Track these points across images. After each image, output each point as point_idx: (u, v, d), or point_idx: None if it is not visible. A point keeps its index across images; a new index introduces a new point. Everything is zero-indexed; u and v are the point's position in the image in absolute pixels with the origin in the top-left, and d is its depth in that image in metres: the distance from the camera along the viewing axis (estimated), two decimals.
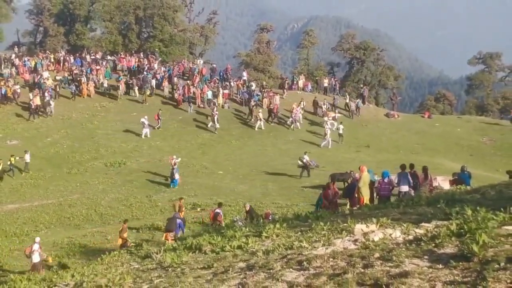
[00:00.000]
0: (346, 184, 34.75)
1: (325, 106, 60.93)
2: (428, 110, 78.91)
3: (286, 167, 45.07)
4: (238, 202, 34.11)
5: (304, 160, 42.43)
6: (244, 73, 70.40)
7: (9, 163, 41.79)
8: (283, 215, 23.72)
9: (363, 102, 68.74)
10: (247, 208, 26.43)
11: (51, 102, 55.54)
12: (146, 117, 53.22)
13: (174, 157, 42.71)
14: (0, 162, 40.79)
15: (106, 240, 28.44)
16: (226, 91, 62.12)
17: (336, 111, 59.62)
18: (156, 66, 68.28)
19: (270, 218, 23.61)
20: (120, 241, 26.23)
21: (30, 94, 55.20)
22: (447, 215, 9.26)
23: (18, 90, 56.59)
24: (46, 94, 55.95)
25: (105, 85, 60.64)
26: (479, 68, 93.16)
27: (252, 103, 59.52)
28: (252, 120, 58.10)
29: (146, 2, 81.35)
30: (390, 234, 7.86)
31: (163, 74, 64.96)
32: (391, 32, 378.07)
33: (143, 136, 52.64)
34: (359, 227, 8.43)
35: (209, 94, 60.49)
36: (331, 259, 6.87)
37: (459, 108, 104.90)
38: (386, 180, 23.61)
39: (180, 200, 29.89)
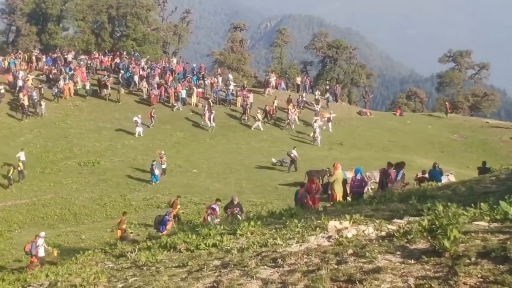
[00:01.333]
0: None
1: (318, 106, 60.74)
2: (400, 108, 79.44)
3: (260, 165, 45.19)
4: (212, 200, 34.05)
5: (292, 155, 43.08)
6: (230, 75, 69.66)
7: (19, 168, 40.66)
8: (258, 213, 23.82)
9: (336, 100, 69.08)
10: (236, 202, 26.23)
11: (42, 102, 54.95)
12: (139, 115, 53.21)
13: (163, 152, 42.94)
14: (11, 168, 39.45)
15: (80, 240, 28.36)
16: (200, 90, 61.93)
17: (331, 111, 59.51)
18: (143, 63, 67.99)
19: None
20: (119, 233, 26.56)
21: (20, 94, 54.81)
22: (419, 211, 9.40)
23: (2, 91, 56.01)
24: (34, 94, 55.26)
25: (87, 87, 59.52)
26: (450, 66, 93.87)
27: (249, 103, 59.84)
28: (246, 119, 58.34)
29: (119, 1, 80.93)
30: (363, 231, 7.95)
31: (148, 72, 64.40)
32: (363, 31, 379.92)
33: (136, 135, 52.60)
34: (333, 224, 8.51)
35: (183, 93, 60.29)
36: (305, 256, 6.94)
37: (430, 105, 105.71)
38: (358, 177, 23.73)
39: (177, 198, 29.54)
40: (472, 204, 8.36)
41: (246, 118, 58.31)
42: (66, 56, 66.74)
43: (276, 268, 6.71)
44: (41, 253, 24.23)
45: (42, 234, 25.60)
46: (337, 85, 76.57)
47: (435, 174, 24.49)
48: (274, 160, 45.24)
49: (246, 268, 6.98)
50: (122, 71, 63.58)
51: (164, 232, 24.83)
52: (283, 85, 70.80)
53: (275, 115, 59.19)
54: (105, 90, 59.30)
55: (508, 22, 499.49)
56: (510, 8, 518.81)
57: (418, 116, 71.13)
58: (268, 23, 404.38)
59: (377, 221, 8.44)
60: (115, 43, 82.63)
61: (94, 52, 71.13)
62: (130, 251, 11.49)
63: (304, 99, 63.36)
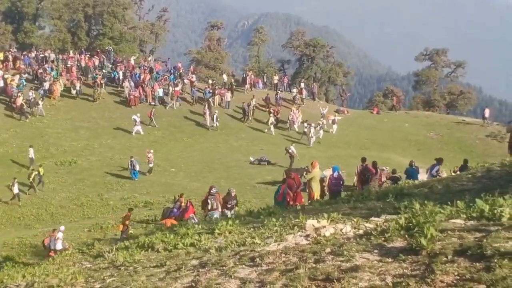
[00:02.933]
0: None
1: (325, 109, 60.84)
2: (377, 106, 79.81)
3: (238, 164, 45.28)
4: (191, 199, 34.04)
5: (290, 151, 43.85)
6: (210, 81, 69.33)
7: (36, 173, 38.88)
8: (236, 212, 23.85)
9: (313, 99, 69.35)
10: (233, 194, 25.99)
11: (39, 102, 54.52)
12: (138, 114, 53.21)
13: (152, 151, 42.96)
14: (32, 171, 38.57)
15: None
16: (178, 89, 61.76)
17: (336, 114, 59.63)
18: (132, 62, 67.75)
19: None
20: (121, 227, 26.92)
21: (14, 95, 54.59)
22: (396, 209, 9.45)
23: None
24: (30, 94, 54.78)
25: (78, 87, 58.82)
26: (426, 65, 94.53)
27: (251, 105, 60.01)
28: (249, 121, 58.57)
29: None
30: (341, 229, 7.97)
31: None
32: (340, 29, 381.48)
33: (133, 133, 52.62)
34: (311, 223, 8.53)
35: (160, 91, 60.11)
36: (283, 255, 6.95)
37: (407, 103, 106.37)
38: (335, 175, 23.78)
39: (181, 196, 29.19)
40: (449, 202, 8.42)
41: (250, 119, 58.73)
42: (45, 55, 66.07)
43: (255, 267, 6.72)
44: (59, 246, 24.73)
45: (62, 228, 26.61)
46: (314, 84, 76.79)
47: (412, 172, 24.64)
48: (252, 159, 45.34)
49: (224, 267, 6.98)
50: (106, 69, 63.45)
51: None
52: (260, 84, 70.80)
53: (252, 114, 59.20)
54: (98, 89, 58.85)
55: (484, 21, 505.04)
56: (485, 6, 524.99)
57: (394, 114, 71.50)
58: (246, 21, 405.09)
59: (355, 220, 8.46)
60: (92, 42, 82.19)
61: (70, 52, 70.55)
62: (107, 251, 11.43)
63: (280, 96, 63.53)
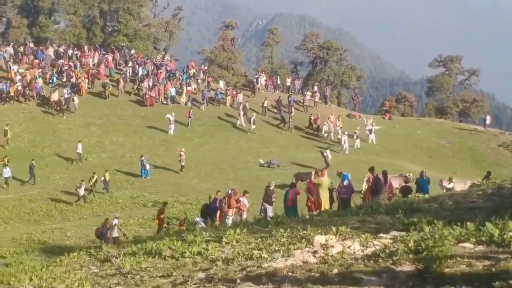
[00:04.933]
0: None
1: (369, 121, 59.68)
2: (389, 112, 79.52)
3: (247, 166, 45.27)
4: (199, 200, 34.09)
5: (325, 154, 44.30)
6: (221, 83, 69.29)
7: (102, 178, 38.21)
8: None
9: (325, 102, 69.23)
10: (272, 187, 25.77)
11: (74, 98, 55.16)
12: (172, 113, 53.61)
13: (183, 149, 43.29)
14: (94, 175, 37.79)
15: (65, 237, 28.24)
16: (190, 88, 61.79)
17: (374, 123, 58.78)
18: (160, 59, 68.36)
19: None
20: (157, 222, 27.38)
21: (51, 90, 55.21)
22: (405, 226, 9.41)
23: (20, 87, 55.55)
24: (65, 90, 55.43)
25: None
26: (440, 71, 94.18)
27: (237, 102, 60.41)
28: (290, 127, 58.31)
29: None
30: (349, 247, 7.96)
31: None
32: (354, 31, 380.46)
33: (169, 132, 53.05)
34: (318, 239, 8.52)
35: (173, 91, 60.17)
36: (290, 274, 6.94)
37: (419, 109, 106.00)
38: (345, 183, 23.62)
39: (217, 193, 28.50)
40: (458, 222, 8.37)
41: (290, 125, 58.52)
42: (61, 50, 66.38)
43: (261, 286, 6.70)
44: (115, 233, 25.47)
45: (117, 214, 27.68)
46: (326, 87, 76.65)
47: (423, 183, 24.37)
48: (261, 161, 45.35)
49: (230, 283, 6.96)
50: (133, 67, 64.31)
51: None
52: (272, 86, 70.62)
53: (292, 120, 58.81)
54: (110, 86, 59.29)
55: (499, 27, 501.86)
56: (501, 12, 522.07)
57: (406, 121, 71.29)
58: (260, 21, 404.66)
59: (363, 236, 8.44)
60: (106, 38, 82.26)
61: (85, 48, 70.70)
62: (115, 256, 11.45)
63: (293, 99, 63.43)
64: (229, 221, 24.78)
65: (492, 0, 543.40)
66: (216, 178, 41.55)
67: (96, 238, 26.17)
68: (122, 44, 76.49)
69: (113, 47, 74.58)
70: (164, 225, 26.73)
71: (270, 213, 23.63)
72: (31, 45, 68.34)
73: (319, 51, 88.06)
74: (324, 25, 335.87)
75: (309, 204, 23.48)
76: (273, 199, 24.87)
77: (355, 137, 54.28)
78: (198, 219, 25.87)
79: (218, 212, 26.24)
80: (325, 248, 8.04)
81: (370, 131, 56.97)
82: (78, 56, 65.63)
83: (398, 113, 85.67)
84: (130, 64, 65.48)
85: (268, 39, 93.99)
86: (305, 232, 9.51)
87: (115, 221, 26.06)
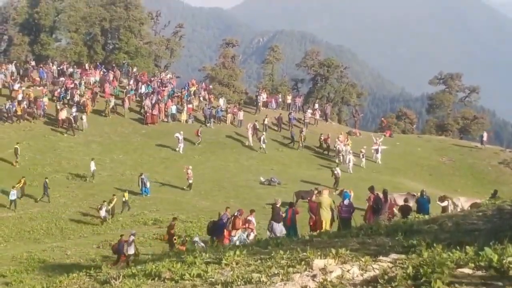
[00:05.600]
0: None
1: (380, 139, 58.96)
2: (390, 129, 79.61)
3: (248, 183, 45.27)
4: (199, 218, 34.11)
5: (336, 172, 44.35)
6: (221, 100, 69.21)
7: (124, 199, 37.94)
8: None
9: (326, 120, 69.34)
10: (279, 204, 25.31)
11: (83, 116, 55.48)
12: (181, 132, 53.71)
13: (190, 167, 43.40)
14: (114, 196, 37.37)
15: (65, 256, 28.15)
16: (190, 106, 61.94)
17: (380, 143, 57.91)
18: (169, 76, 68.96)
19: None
20: (166, 237, 27.60)
21: (58, 108, 55.69)
22: (404, 248, 9.43)
23: (26, 106, 55.76)
24: (73, 109, 55.70)
25: (112, 103, 59.53)
26: (440, 88, 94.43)
27: (238, 120, 61.05)
28: (299, 146, 58.24)
29: (112, 14, 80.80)
30: (348, 271, 7.96)
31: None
32: (354, 48, 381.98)
33: (177, 150, 53.25)
34: (318, 263, 8.53)
35: (173, 108, 60.32)
36: None
37: (420, 126, 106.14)
38: (346, 202, 23.64)
39: (226, 210, 28.35)
40: (458, 246, 8.38)
41: (300, 144, 58.39)
42: (62, 68, 66.60)
43: None
44: (131, 250, 25.48)
45: (134, 232, 27.61)
46: (327, 105, 76.80)
47: (423, 202, 24.44)
48: (262, 179, 45.36)
49: None
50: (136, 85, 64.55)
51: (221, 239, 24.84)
52: (274, 103, 70.76)
53: (304, 141, 58.66)
54: (110, 103, 59.50)
55: (499, 44, 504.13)
56: (499, 30, 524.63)
57: (407, 138, 71.29)
58: (261, 38, 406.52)
59: (363, 260, 8.45)
60: (107, 56, 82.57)
61: (86, 65, 70.98)
62: (114, 278, 11.45)
63: (293, 116, 63.61)
64: (236, 238, 24.78)
65: (493, 18, 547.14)
66: (216, 196, 41.56)
67: (113, 253, 26.51)
68: (123, 62, 76.82)
69: (114, 65, 74.90)
70: (175, 238, 26.69)
71: (278, 232, 23.53)
72: (33, 63, 68.56)
73: (320, 68, 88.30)
74: (325, 42, 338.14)
75: (311, 223, 23.50)
76: (283, 215, 24.66)
77: (361, 156, 54.12)
78: (196, 238, 25.86)
79: (226, 230, 26.16)
80: (324, 272, 8.04)
81: (377, 150, 56.62)
82: (79, 74, 65.71)
83: (398, 130, 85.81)
84: (132, 81, 65.68)
85: (268, 56, 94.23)
86: (304, 254, 9.52)
87: (132, 238, 26.19)
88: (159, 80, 68.47)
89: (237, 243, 22.43)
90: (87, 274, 14.22)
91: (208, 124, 60.05)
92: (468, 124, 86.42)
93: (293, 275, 8.18)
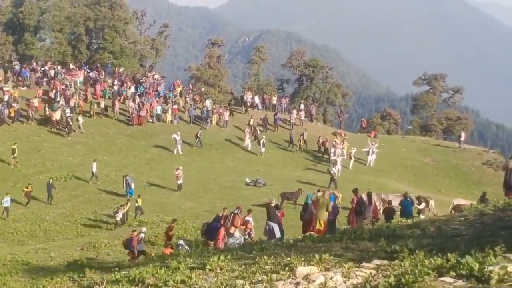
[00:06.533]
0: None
1: (375, 145, 57.65)
2: (374, 129, 79.86)
3: (233, 184, 45.22)
4: (184, 220, 34.04)
5: (332, 172, 44.64)
6: (207, 101, 68.96)
7: (136, 205, 36.78)
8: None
9: (311, 120, 69.37)
10: (273, 203, 25.46)
11: (79, 118, 55.28)
12: (178, 133, 53.63)
13: (180, 167, 43.29)
14: (128, 202, 36.41)
15: (49, 258, 28.01)
16: (176, 107, 61.82)
17: (373, 144, 57.55)
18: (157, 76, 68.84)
19: None
20: (165, 238, 27.47)
21: (48, 109, 55.68)
22: (387, 253, 9.48)
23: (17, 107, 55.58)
24: (68, 110, 55.43)
25: (102, 105, 59.27)
26: (424, 89, 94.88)
27: (223, 121, 61.26)
28: (297, 148, 58.15)
29: (97, 13, 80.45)
30: (331, 278, 7.99)
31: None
32: (340, 48, 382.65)
33: (175, 152, 53.14)
34: (301, 270, 8.55)
35: (158, 109, 60.18)
36: None
37: (405, 125, 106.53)
38: (331, 204, 23.72)
39: (224, 210, 27.90)
40: (439, 253, 8.42)
41: (298, 148, 58.40)
42: (45, 69, 66.15)
43: None
44: (141, 248, 25.98)
45: (144, 229, 27.96)
46: (312, 105, 76.86)
47: (407, 204, 24.55)
48: (247, 180, 45.33)
49: None
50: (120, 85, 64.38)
51: (211, 243, 24.81)
52: (259, 104, 70.64)
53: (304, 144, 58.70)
54: (95, 104, 59.32)
55: (483, 44, 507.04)
56: (484, 31, 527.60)
57: (391, 139, 71.47)
58: (246, 37, 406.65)
59: (346, 266, 8.48)
60: (92, 56, 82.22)
61: (71, 65, 70.72)
62: (98, 283, 11.44)
63: (279, 117, 63.64)
64: (233, 240, 24.73)
65: (478, 19, 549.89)
66: (202, 197, 41.49)
67: (124, 248, 26.88)
68: (108, 62, 76.61)
69: (98, 65, 74.64)
70: (170, 242, 26.67)
71: (278, 232, 23.47)
72: (17, 63, 68.18)
73: (305, 68, 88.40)
74: (311, 42, 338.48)
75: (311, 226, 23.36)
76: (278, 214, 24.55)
77: (352, 157, 54.08)
78: (181, 241, 25.82)
79: (222, 230, 26.04)
80: (308, 280, 8.07)
81: (368, 152, 56.12)
82: (62, 74, 65.37)
83: (383, 130, 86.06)
84: (116, 82, 65.47)
85: (254, 56, 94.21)
86: (288, 259, 9.56)
87: (142, 235, 26.56)
88: (152, 81, 68.41)
89: (236, 244, 22.50)
90: (71, 278, 14.19)
91: (207, 126, 60.32)
92: (451, 124, 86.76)
93: (277, 283, 8.20)
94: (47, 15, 79.94)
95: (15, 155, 46.88)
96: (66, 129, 54.44)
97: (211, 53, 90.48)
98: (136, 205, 36.65)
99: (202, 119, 61.25)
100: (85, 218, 36.42)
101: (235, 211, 26.30)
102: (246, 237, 25.34)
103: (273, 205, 24.85)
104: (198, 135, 55.10)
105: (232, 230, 25.31)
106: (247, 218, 26.58)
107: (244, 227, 25.93)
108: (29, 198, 39.23)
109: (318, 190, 26.16)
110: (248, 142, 56.28)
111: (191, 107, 62.16)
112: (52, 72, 65.09)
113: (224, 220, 26.04)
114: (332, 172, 44.54)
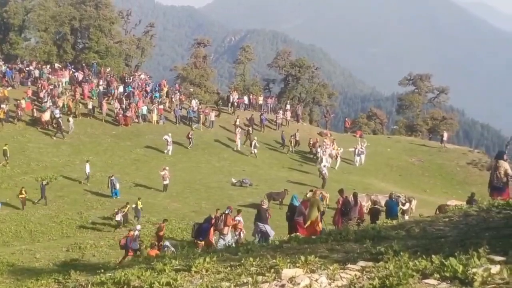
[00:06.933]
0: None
1: (364, 144, 57.37)
2: (360, 129, 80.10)
3: (219, 185, 45.19)
4: (170, 220, 33.92)
5: (323, 172, 44.58)
6: (194, 101, 68.73)
7: (134, 206, 36.06)
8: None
9: (297, 120, 69.46)
10: (265, 205, 25.15)
11: (70, 119, 55.08)
12: (170, 134, 53.48)
13: (167, 168, 43.24)
14: (127, 204, 35.76)
15: (35, 259, 27.88)
16: (161, 107, 61.69)
17: (361, 144, 57.22)
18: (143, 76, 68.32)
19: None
20: (156, 239, 27.37)
21: (34, 110, 55.49)
22: (372, 255, 9.51)
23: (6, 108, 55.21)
24: (57, 111, 55.16)
25: (90, 106, 58.79)
26: (410, 89, 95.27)
27: (209, 121, 61.37)
28: (289, 151, 58.18)
29: (82, 13, 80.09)
30: (316, 280, 8.01)
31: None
32: (326, 47, 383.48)
33: (165, 152, 53.04)
34: (286, 272, 8.56)
35: (144, 109, 60.04)
36: None
37: (391, 125, 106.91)
38: None
39: (216, 211, 27.72)
40: (424, 255, 8.46)
41: (290, 149, 58.44)
42: (30, 69, 65.76)
43: None
44: (136, 246, 26.12)
45: (138, 227, 28.58)
46: (298, 105, 76.98)
47: (392, 205, 24.68)
48: (233, 180, 45.33)
49: None
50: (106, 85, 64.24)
51: (204, 241, 24.87)
52: (246, 102, 70.68)
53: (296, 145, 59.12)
54: (80, 105, 58.98)
55: (468, 44, 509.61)
56: (469, 30, 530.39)
57: (377, 139, 71.55)
58: (233, 37, 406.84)
59: (331, 268, 8.50)
60: (77, 55, 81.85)
61: (55, 64, 70.43)
62: (83, 285, 11.40)
63: (265, 117, 63.68)
64: (226, 240, 24.85)
65: (463, 18, 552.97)
66: (188, 197, 41.43)
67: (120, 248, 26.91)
68: (93, 61, 76.37)
69: (84, 64, 74.37)
70: (161, 243, 26.66)
71: (271, 233, 23.46)
72: (2, 63, 67.79)
73: (291, 68, 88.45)
74: (297, 41, 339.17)
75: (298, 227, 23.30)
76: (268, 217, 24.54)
77: (338, 158, 54.09)
78: (167, 243, 25.83)
79: (212, 231, 26.10)
80: (293, 282, 8.08)
81: (355, 152, 56.13)
82: (47, 74, 65.04)
83: (369, 130, 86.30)
84: (101, 82, 65.23)
85: (240, 56, 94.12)
86: (274, 261, 9.56)
87: (136, 233, 26.67)
88: (144, 81, 68.39)
89: (228, 244, 22.55)
90: (56, 281, 14.13)
91: (196, 126, 60.56)
92: (437, 124, 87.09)
93: (262, 285, 8.21)
94: (32, 15, 79.57)
95: (7, 156, 46.69)
96: (58, 130, 54.08)
97: (197, 52, 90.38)
98: (134, 206, 36.15)
99: (188, 119, 61.17)
100: (70, 219, 36.24)
101: (226, 211, 26.39)
102: (237, 237, 25.40)
103: (264, 207, 24.77)
104: (190, 136, 55.00)
105: (225, 230, 25.36)
106: (237, 218, 26.73)
107: (236, 226, 26.05)
108: (24, 203, 38.79)
109: (311, 190, 26.12)
110: (238, 142, 56.26)
111: (177, 107, 62.03)
112: (36, 72, 64.68)
113: (216, 221, 26.12)
114: (323, 172, 44.58)
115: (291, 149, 58.24)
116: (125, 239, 26.35)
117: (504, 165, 18.12)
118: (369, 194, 36.01)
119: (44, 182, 40.08)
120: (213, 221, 26.33)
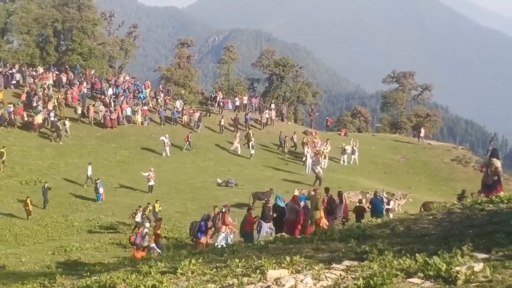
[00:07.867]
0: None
1: (356, 145, 57.07)
2: (345, 127, 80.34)
3: (205, 185, 45.11)
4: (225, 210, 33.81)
5: (317, 171, 44.28)
6: (178, 102, 68.62)
7: (151, 208, 35.61)
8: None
9: (282, 120, 69.53)
10: (270, 204, 25.28)
11: (66, 122, 54.75)
12: (167, 135, 53.54)
13: (152, 168, 43.35)
14: (148, 205, 35.58)
15: (20, 263, 27.70)
16: (146, 108, 61.53)
17: (354, 144, 57.02)
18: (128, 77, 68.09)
19: None
20: (153, 238, 26.89)
21: (24, 113, 55.19)
22: (357, 254, 9.55)
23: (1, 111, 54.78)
24: (51, 114, 55.09)
25: (79, 111, 58.34)
26: (394, 87, 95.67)
27: (194, 121, 61.09)
28: (285, 153, 57.94)
29: (65, 15, 79.77)
30: (302, 280, 8.03)
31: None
32: (310, 46, 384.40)
33: (163, 155, 53.05)
34: (271, 273, 8.58)
35: (128, 110, 59.86)
36: None
37: (375, 122, 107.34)
38: (302, 204, 23.73)
39: (214, 209, 28.16)
40: (408, 254, 8.51)
41: (286, 150, 58.27)
42: (13, 71, 65.30)
43: None
44: (146, 242, 26.26)
45: (147, 224, 28.79)
46: (283, 105, 77.09)
47: (377, 203, 24.76)
48: (219, 180, 45.27)
49: None
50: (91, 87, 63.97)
51: (202, 239, 24.93)
52: (229, 104, 70.75)
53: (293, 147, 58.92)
54: (63, 107, 58.57)
55: (452, 41, 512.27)
56: (454, 28, 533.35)
57: (362, 136, 71.72)
58: (216, 37, 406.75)
59: (316, 268, 8.52)
60: (60, 57, 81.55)
61: (39, 67, 70.09)
62: None
63: (250, 117, 63.72)
64: (221, 237, 24.98)
65: (448, 16, 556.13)
66: (173, 198, 41.33)
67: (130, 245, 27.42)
68: (76, 63, 76.09)
69: (67, 66, 74.06)
70: (153, 244, 26.63)
71: (264, 231, 23.42)
72: None
73: (275, 67, 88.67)
74: (280, 40, 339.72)
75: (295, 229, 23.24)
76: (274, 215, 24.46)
77: (326, 157, 53.90)
78: (153, 244, 25.79)
79: (209, 230, 26.27)
80: (278, 283, 8.09)
81: (344, 151, 55.79)
82: (31, 77, 64.56)
83: (354, 128, 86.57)
84: (85, 84, 64.96)
85: (224, 56, 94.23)
86: (259, 262, 9.58)
87: (145, 230, 26.73)
88: (129, 82, 68.30)
89: (223, 243, 22.63)
90: (41, 284, 14.08)
91: (197, 130, 60.65)
92: (421, 121, 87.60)
93: (247, 286, 8.22)
94: (14, 17, 79.17)
95: (3, 159, 46.46)
96: (55, 134, 53.78)
97: (180, 53, 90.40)
98: (151, 208, 35.61)
99: (172, 120, 61.13)
100: (56, 222, 36.06)
101: (223, 210, 26.42)
102: (231, 236, 25.46)
103: (270, 205, 24.80)
104: (189, 139, 54.96)
105: (223, 229, 25.38)
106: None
107: (231, 226, 26.10)
108: (29, 213, 38.22)
109: (314, 190, 26.07)
110: (237, 145, 56.17)
111: (161, 108, 61.92)
112: (18, 76, 64.17)
113: (214, 219, 26.17)
114: (316, 171, 44.57)
115: (286, 150, 58.08)
116: (134, 236, 26.71)
117: (496, 163, 18.27)
118: (364, 192, 36.13)
119: (46, 186, 39.79)
120: (210, 221, 26.39)
